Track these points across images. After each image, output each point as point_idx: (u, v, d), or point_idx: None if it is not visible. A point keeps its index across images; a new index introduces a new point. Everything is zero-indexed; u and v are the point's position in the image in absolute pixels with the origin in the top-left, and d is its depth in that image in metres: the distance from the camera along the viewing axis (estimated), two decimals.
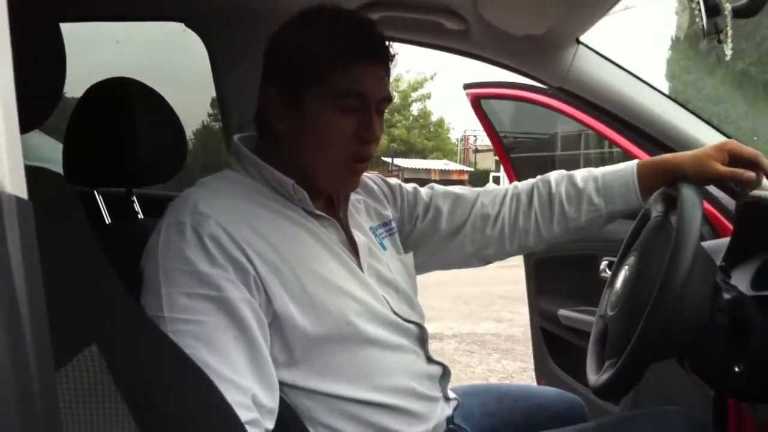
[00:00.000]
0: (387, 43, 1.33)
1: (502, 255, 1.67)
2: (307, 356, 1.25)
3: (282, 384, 1.23)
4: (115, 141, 1.44)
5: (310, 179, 1.33)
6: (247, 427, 1.07)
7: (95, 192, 1.58)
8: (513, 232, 1.63)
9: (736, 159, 1.48)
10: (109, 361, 0.96)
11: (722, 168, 1.47)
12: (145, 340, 1.06)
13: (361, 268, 1.37)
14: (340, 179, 1.36)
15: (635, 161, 1.59)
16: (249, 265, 1.19)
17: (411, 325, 1.42)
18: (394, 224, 1.58)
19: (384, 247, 1.50)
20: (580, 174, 1.60)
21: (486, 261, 1.68)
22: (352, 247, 1.40)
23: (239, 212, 1.24)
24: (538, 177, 1.65)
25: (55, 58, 1.05)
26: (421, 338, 1.46)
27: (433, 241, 1.63)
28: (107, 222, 1.58)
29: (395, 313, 1.39)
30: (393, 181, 1.65)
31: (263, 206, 1.29)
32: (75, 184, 1.45)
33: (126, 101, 1.45)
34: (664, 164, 1.54)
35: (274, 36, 1.35)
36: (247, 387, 1.12)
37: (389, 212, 1.59)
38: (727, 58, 1.26)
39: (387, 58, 1.33)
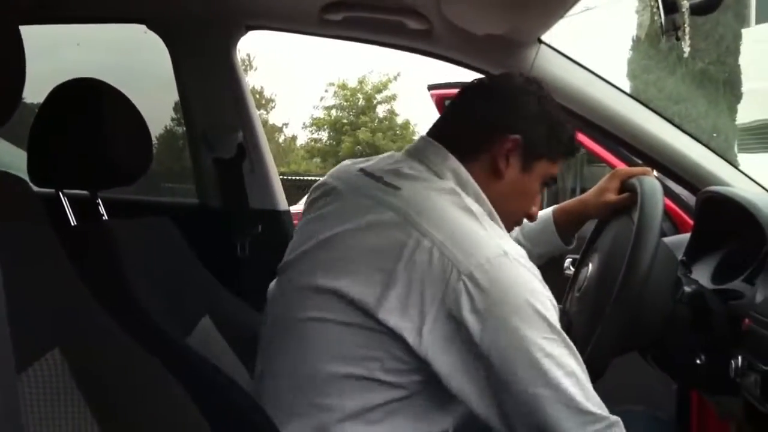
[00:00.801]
0: None
1: None
2: None
3: None
4: (80, 142, 1.43)
5: None
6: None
7: (60, 194, 1.56)
8: None
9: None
10: (72, 365, 0.95)
11: (614, 198, 1.56)
12: (109, 343, 1.05)
13: None
14: None
15: (552, 208, 1.70)
16: None
17: None
18: None
19: None
20: None
21: None
22: None
23: None
24: None
25: (15, 60, 1.04)
26: None
27: None
28: (73, 224, 1.56)
29: None
30: None
31: None
32: (39, 185, 1.43)
33: (91, 102, 1.44)
34: (574, 208, 1.67)
35: (528, 92, 1.38)
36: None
37: None
38: (686, 54, 1.29)
39: None
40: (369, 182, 1.30)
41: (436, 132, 1.38)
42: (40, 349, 0.93)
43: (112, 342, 1.06)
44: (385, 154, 1.41)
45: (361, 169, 1.35)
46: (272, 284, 1.42)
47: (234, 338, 1.63)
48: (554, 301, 1.17)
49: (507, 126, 1.32)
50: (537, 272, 1.18)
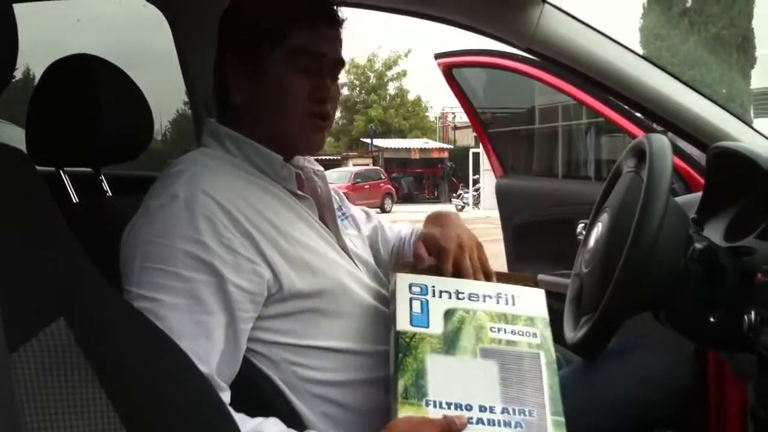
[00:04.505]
0: (336, 7, 1.37)
1: None
2: (301, 319, 1.27)
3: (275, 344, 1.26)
4: (79, 119, 1.42)
5: (278, 146, 1.34)
6: None
7: (61, 172, 1.55)
8: None
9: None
10: (78, 335, 0.95)
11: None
12: (114, 312, 1.05)
13: (338, 243, 1.40)
14: (304, 138, 1.38)
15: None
16: (247, 242, 1.20)
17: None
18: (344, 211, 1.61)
19: (345, 227, 1.53)
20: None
21: None
22: (326, 224, 1.42)
23: (233, 187, 1.24)
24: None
25: (6, 37, 1.02)
26: None
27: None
28: (75, 201, 1.56)
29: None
30: None
31: (250, 182, 1.29)
32: (40, 164, 1.42)
33: (88, 78, 1.43)
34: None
35: (231, 2, 1.38)
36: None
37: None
38: (688, 3, 1.26)
39: (339, 21, 1.37)
40: None
41: None
42: (44, 320, 0.93)
43: (118, 311, 1.06)
44: None
45: None
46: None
47: None
48: (183, 256, 1.17)
49: (218, 56, 1.41)
50: (198, 217, 1.19)
